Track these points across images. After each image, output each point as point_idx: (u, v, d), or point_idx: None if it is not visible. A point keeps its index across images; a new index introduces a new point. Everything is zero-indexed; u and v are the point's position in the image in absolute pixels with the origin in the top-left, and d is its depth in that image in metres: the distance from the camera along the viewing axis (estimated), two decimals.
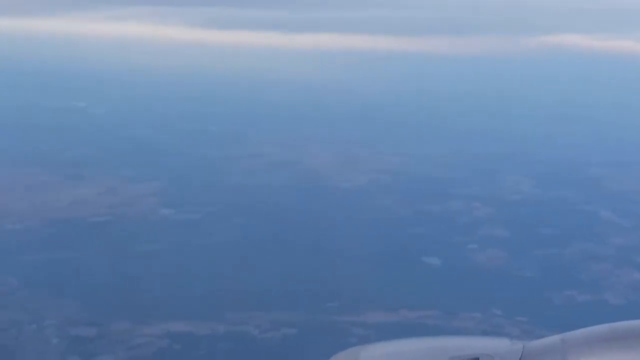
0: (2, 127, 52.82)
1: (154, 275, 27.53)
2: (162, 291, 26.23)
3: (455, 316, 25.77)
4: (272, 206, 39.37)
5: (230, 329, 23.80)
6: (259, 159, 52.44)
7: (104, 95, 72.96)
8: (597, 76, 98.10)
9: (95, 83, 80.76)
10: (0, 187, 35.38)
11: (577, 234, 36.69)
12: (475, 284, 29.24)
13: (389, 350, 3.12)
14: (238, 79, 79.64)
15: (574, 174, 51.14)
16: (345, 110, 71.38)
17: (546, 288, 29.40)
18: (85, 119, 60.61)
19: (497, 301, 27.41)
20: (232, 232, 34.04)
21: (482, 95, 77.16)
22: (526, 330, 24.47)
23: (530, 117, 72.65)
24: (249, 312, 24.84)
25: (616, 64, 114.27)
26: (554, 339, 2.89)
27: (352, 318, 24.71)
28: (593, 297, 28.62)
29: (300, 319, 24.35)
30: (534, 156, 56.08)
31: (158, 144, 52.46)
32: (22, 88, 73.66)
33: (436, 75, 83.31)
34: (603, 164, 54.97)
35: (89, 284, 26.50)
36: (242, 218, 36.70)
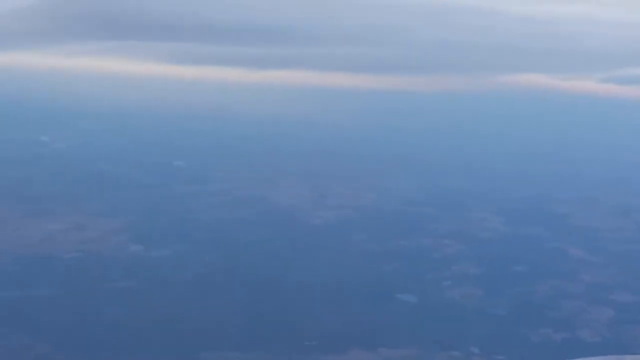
0: None
1: (126, 314, 26.94)
2: (135, 330, 25.67)
3: (434, 355, 25.67)
4: (242, 243, 39.05)
5: None
6: (226, 195, 52.09)
7: (68, 130, 72.25)
8: (560, 114, 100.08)
9: (58, 117, 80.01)
10: None
11: (548, 271, 37.00)
12: (451, 322, 29.18)
13: None
14: (205, 113, 79.54)
15: (542, 211, 51.80)
16: (314, 145, 71.66)
17: (521, 326, 29.47)
18: (49, 153, 59.90)
19: (475, 339, 27.38)
20: (203, 269, 33.61)
21: (451, 132, 78.14)
22: None
23: (496, 153, 73.68)
24: (225, 352, 24.43)
25: (578, 103, 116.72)
26: None
27: (332, 357, 24.47)
28: (568, 334, 28.77)
29: (280, 358, 23.99)
30: (501, 193, 56.69)
31: (125, 179, 51.87)
32: None
33: (405, 112, 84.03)
34: (569, 201, 55.83)
35: (61, 322, 25.81)
36: (212, 255, 36.32)
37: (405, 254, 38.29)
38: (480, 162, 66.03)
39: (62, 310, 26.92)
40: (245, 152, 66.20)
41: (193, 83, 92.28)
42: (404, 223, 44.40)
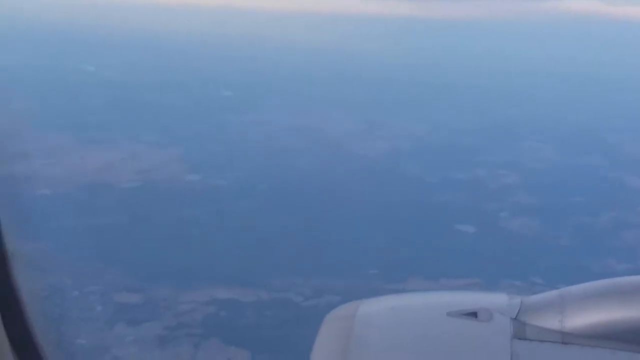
0: (17, 89, 52.24)
1: (192, 241, 27.42)
2: (201, 257, 26.12)
3: (496, 284, 25.71)
4: (295, 173, 39.17)
5: (273, 296, 23.74)
6: (276, 125, 52.03)
7: (113, 59, 72.29)
8: (607, 40, 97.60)
9: (101, 46, 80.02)
10: (26, 152, 35.00)
11: (606, 201, 36.59)
12: (511, 252, 29.19)
13: (388, 304, 3.11)
14: (250, 43, 79.04)
15: (594, 139, 50.96)
16: (360, 74, 70.90)
17: (583, 256, 29.36)
18: (98, 82, 60.09)
19: (536, 269, 27.38)
20: (260, 198, 33.90)
21: (498, 60, 76.78)
22: None
23: (544, 80, 72.28)
24: (291, 279, 24.77)
25: (626, 28, 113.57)
26: (552, 293, 2.93)
27: (394, 285, 24.63)
28: (631, 265, 28.55)
29: (343, 285, 24.25)
30: (552, 121, 55.81)
31: (175, 109, 52.01)
32: (28, 50, 72.85)
33: (451, 40, 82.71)
34: (621, 129, 54.76)
35: (128, 249, 26.35)
36: (267, 184, 36.53)
37: (460, 184, 38.10)
38: (529, 89, 64.92)
39: (129, 237, 27.43)
40: (292, 81, 65.82)
41: (234, 10, 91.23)
42: (457, 153, 44.07)
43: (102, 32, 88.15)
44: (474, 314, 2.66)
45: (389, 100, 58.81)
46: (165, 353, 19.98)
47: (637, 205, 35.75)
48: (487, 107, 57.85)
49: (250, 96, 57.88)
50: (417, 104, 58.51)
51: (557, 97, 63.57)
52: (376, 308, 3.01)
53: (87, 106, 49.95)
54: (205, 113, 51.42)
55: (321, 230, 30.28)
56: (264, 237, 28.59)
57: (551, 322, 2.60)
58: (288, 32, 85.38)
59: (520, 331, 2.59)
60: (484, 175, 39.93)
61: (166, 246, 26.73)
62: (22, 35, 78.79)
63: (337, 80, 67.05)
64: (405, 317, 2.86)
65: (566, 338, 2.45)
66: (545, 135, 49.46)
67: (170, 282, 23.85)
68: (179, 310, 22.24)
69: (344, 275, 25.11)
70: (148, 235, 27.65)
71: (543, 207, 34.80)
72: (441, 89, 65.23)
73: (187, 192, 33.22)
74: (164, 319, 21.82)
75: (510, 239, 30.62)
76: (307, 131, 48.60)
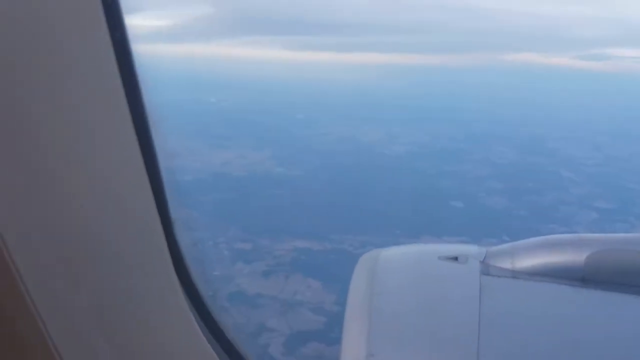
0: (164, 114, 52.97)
1: (279, 210, 27.71)
2: (287, 220, 26.39)
3: (478, 241, 25.19)
4: (343, 166, 39.26)
5: (335, 246, 23.82)
6: (330, 136, 52.15)
7: (228, 93, 73.05)
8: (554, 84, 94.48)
9: (219, 84, 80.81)
10: (176, 152, 35.59)
11: (549, 187, 35.57)
12: (488, 220, 28.71)
13: (401, 250, 3.05)
14: (314, 83, 79.19)
15: (539, 145, 49.62)
16: (386, 100, 70.42)
17: (534, 222, 28.63)
18: (217, 110, 60.89)
19: (504, 231, 26.88)
20: (323, 183, 34.05)
21: (481, 97, 75.40)
22: None
23: (509, 107, 70.42)
24: (345, 235, 24.83)
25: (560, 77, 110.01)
26: (508, 245, 2.76)
27: (412, 240, 24.21)
28: (567, 229, 27.83)
29: (379, 240, 24.11)
30: (512, 134, 54.42)
31: (267, 127, 52.55)
32: (170, 87, 73.95)
33: (449, 82, 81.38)
34: (560, 139, 53.20)
35: (241, 215, 26.75)
36: (327, 174, 36.62)
37: (452, 174, 37.61)
38: (499, 111, 63.36)
39: (241, 207, 27.85)
40: (340, 109, 65.56)
41: (304, 64, 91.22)
42: (449, 154, 43.50)
43: (221, 74, 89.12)
44: (455, 258, 2.61)
45: (405, 119, 58.25)
46: (269, 281, 20.30)
47: (569, 188, 34.77)
48: (470, 124, 56.77)
49: (314, 118, 57.93)
50: (423, 122, 57.78)
51: (516, 117, 62.04)
52: (393, 253, 2.98)
53: (209, 125, 50.62)
54: (283, 128, 51.69)
55: (362, 203, 30.24)
56: (326, 207, 28.73)
57: (506, 263, 2.53)
58: (339, 76, 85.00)
59: (485, 270, 2.52)
60: (468, 168, 39.27)
61: (265, 212, 27.06)
62: (165, 76, 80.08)
63: (368, 105, 66.71)
64: (411, 260, 2.82)
65: (515, 274, 2.39)
66: (507, 143, 48.37)
67: (268, 236, 24.11)
68: (274, 254, 22.51)
69: (379, 233, 25.05)
70: (253, 206, 28.03)
71: (508, 189, 34.10)
72: (439, 112, 64.31)
73: (277, 179, 33.49)
74: (265, 260, 22.10)
75: (487, 211, 30.12)
76: (348, 139, 48.51)
